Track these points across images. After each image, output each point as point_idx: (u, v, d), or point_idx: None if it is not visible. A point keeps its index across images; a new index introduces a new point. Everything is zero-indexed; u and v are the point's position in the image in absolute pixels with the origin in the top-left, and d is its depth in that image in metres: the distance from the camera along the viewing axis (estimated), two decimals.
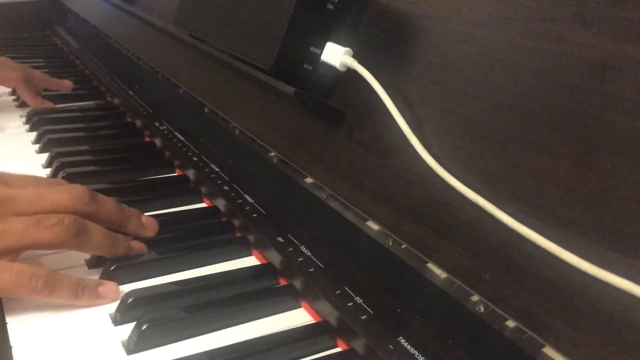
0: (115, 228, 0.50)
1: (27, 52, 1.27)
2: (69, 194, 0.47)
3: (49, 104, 0.94)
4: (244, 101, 0.61)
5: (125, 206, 0.52)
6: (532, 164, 0.32)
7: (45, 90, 0.98)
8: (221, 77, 0.66)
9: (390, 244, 0.41)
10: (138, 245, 0.50)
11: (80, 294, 0.43)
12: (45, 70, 1.07)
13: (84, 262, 0.50)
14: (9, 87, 0.97)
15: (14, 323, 0.42)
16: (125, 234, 0.51)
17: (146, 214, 0.54)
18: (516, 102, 0.34)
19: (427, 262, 0.38)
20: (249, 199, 0.58)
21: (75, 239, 0.45)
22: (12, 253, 0.43)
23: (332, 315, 0.42)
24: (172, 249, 0.52)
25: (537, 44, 0.34)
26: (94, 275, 0.47)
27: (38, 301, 0.43)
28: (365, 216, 0.43)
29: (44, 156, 0.71)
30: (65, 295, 0.43)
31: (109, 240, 0.47)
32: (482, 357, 0.36)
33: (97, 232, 0.47)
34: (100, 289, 0.44)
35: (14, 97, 0.99)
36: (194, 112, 0.73)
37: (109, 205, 0.50)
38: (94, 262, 0.49)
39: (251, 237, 0.54)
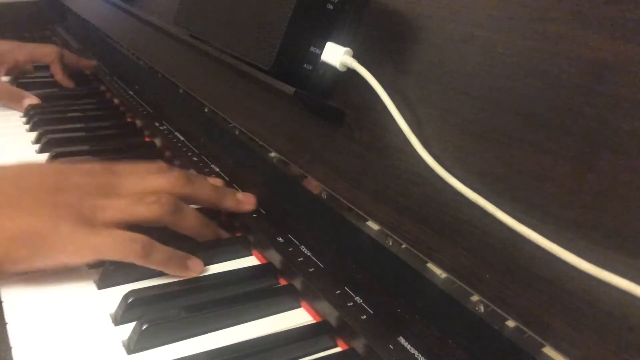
0: (214, 207, 0.55)
1: None
2: (167, 178, 0.52)
3: (72, 84, 1.01)
4: (244, 101, 0.61)
5: (221, 186, 0.57)
6: (532, 164, 0.32)
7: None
8: (221, 77, 0.66)
9: (390, 244, 0.41)
10: (246, 200, 0.55)
11: (171, 263, 0.47)
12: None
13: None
14: (46, 62, 1.02)
15: (14, 323, 0.42)
16: (226, 211, 0.55)
17: None
18: (516, 102, 0.34)
19: (427, 262, 0.38)
20: None
21: (171, 216, 0.49)
22: (115, 225, 0.47)
23: (332, 315, 0.42)
24: (172, 248, 0.51)
25: (537, 44, 0.34)
26: (95, 275, 0.47)
27: (137, 264, 0.46)
28: (365, 216, 0.43)
29: (44, 156, 0.71)
30: (158, 261, 0.47)
31: (201, 222, 0.52)
32: (482, 357, 0.36)
33: (191, 213, 0.51)
34: (189, 263, 0.48)
35: None
36: (194, 112, 0.73)
37: (205, 186, 0.54)
38: (93, 264, 0.49)
39: (251, 237, 0.54)
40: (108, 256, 0.46)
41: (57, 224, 0.45)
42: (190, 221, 0.51)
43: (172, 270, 0.47)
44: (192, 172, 0.63)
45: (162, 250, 0.47)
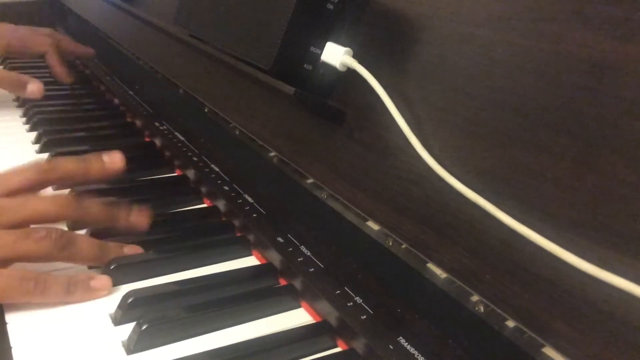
0: (107, 228, 0.51)
1: None
2: (54, 202, 0.48)
3: (71, 78, 0.94)
4: (243, 101, 0.61)
5: (112, 206, 0.52)
6: (532, 164, 0.32)
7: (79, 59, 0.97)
8: (221, 77, 0.66)
9: (390, 244, 0.41)
10: (132, 249, 0.50)
11: (72, 291, 0.44)
12: (45, 70, 1.07)
13: None
14: (40, 52, 0.96)
15: (14, 323, 0.42)
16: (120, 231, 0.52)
17: None
18: (516, 102, 0.34)
19: (427, 262, 0.38)
20: (249, 199, 0.58)
21: (63, 252, 0.46)
22: (2, 264, 0.44)
23: (332, 315, 0.42)
24: (172, 249, 0.52)
25: (537, 44, 0.34)
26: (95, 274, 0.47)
27: (34, 302, 0.43)
28: (365, 216, 0.43)
29: (44, 156, 0.71)
30: (58, 293, 0.44)
31: (98, 251, 0.48)
32: (482, 357, 0.36)
33: (84, 243, 0.47)
34: (92, 283, 0.45)
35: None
36: (194, 112, 0.73)
37: (94, 208, 0.50)
38: None
39: (251, 237, 0.54)
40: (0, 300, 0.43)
41: None
42: (86, 252, 0.47)
43: (75, 299, 0.44)
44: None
45: (58, 282, 0.44)
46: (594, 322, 0.28)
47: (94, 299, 0.45)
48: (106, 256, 0.48)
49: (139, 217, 0.53)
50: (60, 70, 0.94)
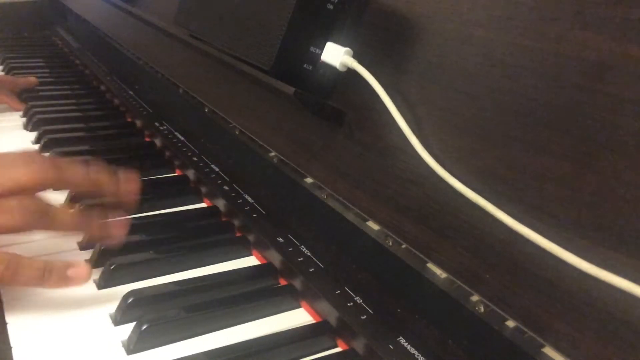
0: (92, 191, 0.49)
1: (27, 52, 1.27)
2: (29, 169, 0.45)
3: (23, 105, 0.92)
4: (244, 101, 0.61)
5: (96, 171, 0.49)
6: (532, 164, 0.32)
7: (27, 91, 0.96)
8: (221, 77, 0.66)
9: (390, 244, 0.41)
10: (117, 225, 0.48)
11: (47, 277, 0.43)
12: (46, 70, 1.07)
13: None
14: None
15: (14, 323, 0.42)
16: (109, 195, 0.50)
17: (146, 214, 0.54)
18: (516, 102, 0.34)
19: (427, 262, 0.38)
20: (249, 199, 0.58)
21: (38, 222, 0.44)
22: None
23: (332, 315, 0.42)
24: (172, 248, 0.52)
25: (537, 44, 0.34)
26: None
27: (6, 286, 0.42)
28: (365, 216, 0.43)
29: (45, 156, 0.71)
30: (31, 279, 0.42)
31: (76, 218, 0.46)
32: (482, 357, 0.36)
33: (60, 213, 0.45)
34: (70, 271, 0.43)
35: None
36: (194, 112, 0.73)
37: (75, 170, 0.48)
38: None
39: (251, 237, 0.54)
40: None
41: None
42: (63, 221, 0.45)
43: (50, 285, 0.43)
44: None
45: (32, 266, 0.42)
46: (594, 322, 0.28)
47: (69, 287, 0.43)
48: (85, 225, 0.46)
49: (128, 188, 0.50)
50: (11, 103, 0.92)
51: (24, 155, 0.47)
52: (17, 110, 0.90)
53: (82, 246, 0.50)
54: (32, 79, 1.00)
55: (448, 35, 0.39)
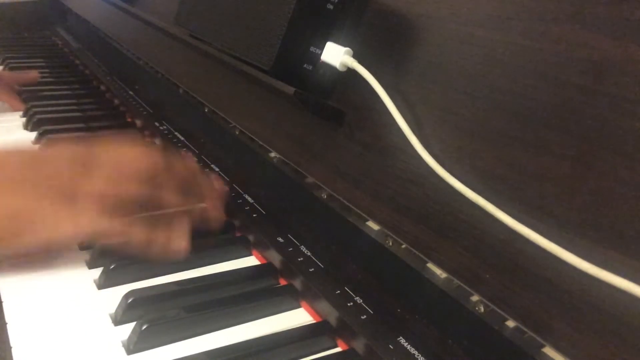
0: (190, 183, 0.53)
1: (27, 52, 1.27)
2: (142, 150, 0.51)
3: (23, 105, 0.91)
4: (244, 101, 0.61)
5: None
6: (532, 164, 0.32)
7: (27, 91, 0.96)
8: (221, 77, 0.66)
9: (390, 244, 0.41)
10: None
11: (153, 245, 0.47)
12: (46, 70, 1.07)
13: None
14: None
15: (14, 323, 0.42)
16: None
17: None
18: (516, 102, 0.34)
19: (427, 262, 0.38)
20: (249, 199, 0.58)
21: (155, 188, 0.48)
22: (97, 201, 0.46)
23: (332, 315, 0.42)
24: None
25: (537, 44, 0.34)
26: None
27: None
28: (365, 216, 0.43)
29: None
30: (141, 236, 0.47)
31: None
32: (482, 357, 0.36)
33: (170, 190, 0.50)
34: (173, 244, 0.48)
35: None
36: (194, 112, 0.73)
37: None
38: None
39: (251, 237, 0.54)
40: (87, 230, 0.46)
41: (38, 200, 0.45)
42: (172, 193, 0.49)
43: (155, 250, 0.47)
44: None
45: (143, 225, 0.46)
46: (594, 322, 0.28)
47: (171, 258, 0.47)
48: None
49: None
50: (10, 102, 0.92)
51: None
52: (17, 110, 0.90)
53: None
54: (34, 74, 0.99)
55: (448, 35, 0.39)
